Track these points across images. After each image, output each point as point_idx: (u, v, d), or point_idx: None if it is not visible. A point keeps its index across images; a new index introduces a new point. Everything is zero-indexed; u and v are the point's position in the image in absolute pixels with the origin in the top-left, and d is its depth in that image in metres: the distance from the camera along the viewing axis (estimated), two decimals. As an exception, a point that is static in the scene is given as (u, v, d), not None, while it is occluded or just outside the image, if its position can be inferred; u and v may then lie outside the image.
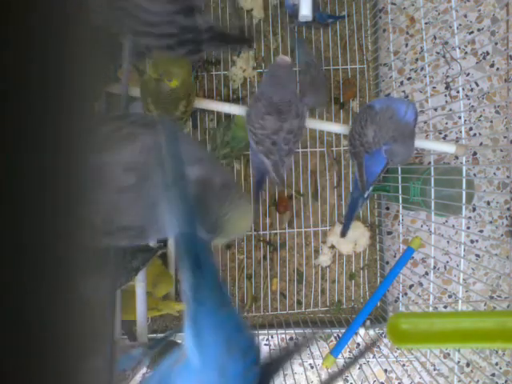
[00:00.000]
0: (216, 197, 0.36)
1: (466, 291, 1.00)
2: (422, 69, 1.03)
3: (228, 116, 0.96)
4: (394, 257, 1.04)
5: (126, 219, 0.37)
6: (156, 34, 0.53)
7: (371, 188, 0.79)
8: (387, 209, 1.06)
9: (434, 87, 1.03)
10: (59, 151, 0.13)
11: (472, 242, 1.05)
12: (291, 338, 1.05)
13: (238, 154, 0.96)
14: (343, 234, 0.85)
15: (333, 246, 1.02)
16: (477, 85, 1.04)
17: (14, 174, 0.12)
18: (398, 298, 1.03)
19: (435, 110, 1.00)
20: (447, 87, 1.04)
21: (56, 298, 0.14)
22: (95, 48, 0.15)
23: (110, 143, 0.37)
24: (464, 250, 0.86)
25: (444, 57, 1.03)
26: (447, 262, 1.03)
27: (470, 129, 1.05)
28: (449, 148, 0.80)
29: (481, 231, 1.06)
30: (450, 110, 1.01)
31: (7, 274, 0.12)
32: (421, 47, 1.03)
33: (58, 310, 0.14)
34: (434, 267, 1.00)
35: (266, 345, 1.03)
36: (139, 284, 0.82)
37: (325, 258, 1.02)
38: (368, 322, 1.00)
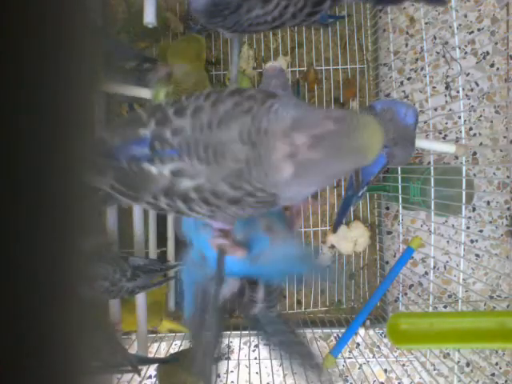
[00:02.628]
0: (341, 134, 0.35)
1: (466, 291, 1.00)
2: (422, 69, 1.03)
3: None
4: (394, 257, 1.04)
5: (251, 184, 0.39)
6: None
7: (366, 187, 0.80)
8: (387, 209, 1.06)
9: (434, 87, 1.03)
10: None
11: (472, 241, 1.05)
12: (291, 338, 1.05)
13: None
14: (335, 229, 0.89)
15: (333, 246, 1.02)
16: (477, 85, 1.04)
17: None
18: (398, 297, 1.03)
19: (435, 109, 1.00)
20: (447, 87, 1.04)
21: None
22: (94, 48, 0.15)
23: (229, 119, 0.38)
24: (464, 249, 0.85)
25: (444, 57, 1.03)
26: (447, 261, 1.03)
27: (470, 129, 1.05)
28: (449, 148, 0.80)
29: (481, 231, 1.06)
30: (450, 109, 1.01)
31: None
32: (421, 47, 1.03)
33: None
34: (434, 267, 1.00)
35: (266, 345, 1.03)
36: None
37: (325, 258, 1.02)
38: (368, 322, 1.00)
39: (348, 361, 1.01)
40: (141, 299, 0.84)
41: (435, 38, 1.03)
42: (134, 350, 0.88)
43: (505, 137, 1.06)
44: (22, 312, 0.12)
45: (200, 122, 0.39)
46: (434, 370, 0.99)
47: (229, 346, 0.98)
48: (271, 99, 0.40)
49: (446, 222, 1.03)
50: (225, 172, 0.38)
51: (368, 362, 1.01)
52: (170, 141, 0.39)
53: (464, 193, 0.80)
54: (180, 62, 0.78)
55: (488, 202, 1.07)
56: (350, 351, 0.99)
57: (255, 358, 0.98)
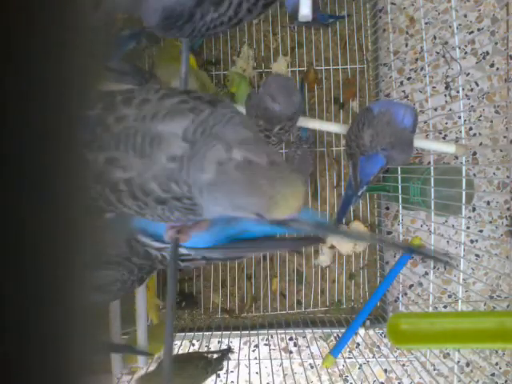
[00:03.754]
0: (266, 176, 0.36)
1: (466, 291, 1.00)
2: (422, 69, 1.03)
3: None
4: (394, 257, 1.04)
5: (180, 188, 0.38)
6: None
7: (365, 187, 0.80)
8: (387, 209, 1.06)
9: (434, 87, 1.03)
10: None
11: (472, 241, 1.05)
12: (291, 338, 1.05)
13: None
14: None
15: (333, 246, 1.02)
16: (477, 85, 1.04)
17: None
18: (398, 297, 1.03)
19: (435, 109, 1.00)
20: (447, 87, 1.04)
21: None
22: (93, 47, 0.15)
23: (174, 113, 0.38)
24: (464, 249, 0.85)
25: (444, 57, 1.03)
26: (447, 261, 1.03)
27: (470, 129, 1.05)
28: (449, 148, 0.80)
29: (481, 231, 1.06)
30: (450, 109, 1.01)
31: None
32: (421, 47, 1.03)
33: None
34: (434, 267, 1.00)
35: (265, 345, 1.03)
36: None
37: (324, 258, 1.02)
38: (368, 322, 1.00)
39: (348, 361, 1.01)
40: (141, 299, 0.84)
41: (435, 38, 1.03)
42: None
43: (505, 137, 1.06)
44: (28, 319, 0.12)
45: (144, 113, 0.39)
46: (434, 370, 0.99)
47: (229, 346, 0.98)
48: (220, 103, 0.40)
49: (446, 222, 1.03)
50: (157, 169, 0.38)
51: (368, 361, 1.01)
52: (112, 127, 0.39)
53: (464, 193, 0.80)
54: (166, 63, 0.77)
55: (488, 202, 1.06)
56: (350, 351, 0.99)
57: (255, 358, 0.98)
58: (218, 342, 1.00)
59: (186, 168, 0.38)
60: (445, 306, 1.03)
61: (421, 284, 1.04)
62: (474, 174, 1.03)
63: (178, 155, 0.37)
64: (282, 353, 1.02)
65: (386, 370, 1.01)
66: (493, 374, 1.03)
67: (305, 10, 0.66)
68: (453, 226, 1.01)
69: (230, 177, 0.36)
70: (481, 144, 1.06)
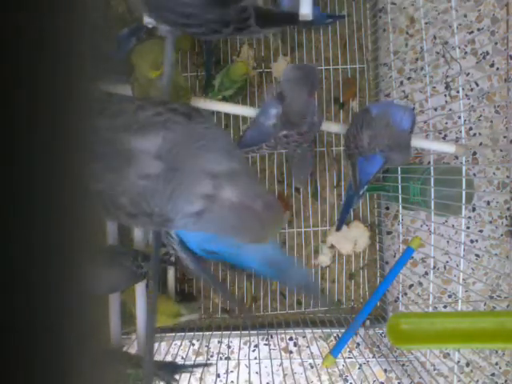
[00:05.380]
0: (260, 220, 0.36)
1: (466, 291, 1.00)
2: (422, 69, 1.03)
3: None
4: (394, 257, 1.04)
5: (150, 206, 0.37)
6: (197, 24, 0.56)
7: (366, 187, 0.80)
8: (387, 209, 1.06)
9: (434, 87, 1.03)
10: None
11: (472, 241, 1.05)
12: (291, 338, 1.05)
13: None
14: (338, 228, 0.92)
15: (333, 246, 1.02)
16: (477, 85, 1.04)
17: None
18: (398, 297, 1.03)
19: (435, 109, 1.00)
20: (447, 87, 1.04)
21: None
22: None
23: (147, 128, 0.37)
24: (464, 249, 0.85)
25: (444, 57, 1.03)
26: (447, 261, 1.03)
27: (470, 129, 1.05)
28: (449, 148, 0.80)
29: (481, 231, 1.06)
30: (450, 109, 1.01)
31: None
32: (421, 47, 1.03)
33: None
34: (434, 267, 1.00)
35: (265, 344, 1.03)
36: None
37: (324, 258, 1.02)
38: (368, 322, 1.00)
39: (348, 361, 1.01)
40: (140, 299, 0.84)
41: (435, 37, 1.03)
42: (133, 350, 0.88)
43: (505, 137, 1.06)
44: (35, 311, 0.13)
45: (116, 125, 0.37)
46: (434, 370, 0.99)
47: (229, 346, 0.98)
48: (199, 118, 0.38)
49: (446, 222, 1.03)
50: (127, 185, 0.36)
51: (368, 361, 1.01)
52: None
53: (464, 193, 0.80)
54: (142, 64, 0.75)
55: (488, 202, 1.06)
56: (349, 351, 0.99)
57: (255, 358, 0.98)
58: (218, 341, 1.00)
59: (162, 190, 0.36)
60: (445, 306, 1.03)
61: (421, 284, 1.04)
62: (474, 174, 1.03)
63: (151, 174, 0.36)
64: (282, 353, 1.02)
65: (385, 370, 1.01)
66: (493, 374, 1.03)
67: (305, 10, 0.66)
68: (453, 225, 1.01)
69: (221, 214, 0.36)
70: (481, 144, 1.06)
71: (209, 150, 0.37)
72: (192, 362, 0.89)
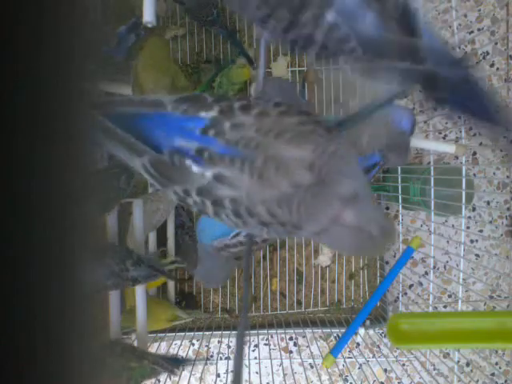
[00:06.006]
0: (375, 243, 0.37)
1: (466, 291, 1.00)
2: (422, 69, 1.02)
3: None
4: (394, 257, 1.04)
5: (291, 214, 0.36)
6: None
7: None
8: (387, 209, 1.06)
9: (434, 87, 1.03)
10: None
11: (472, 241, 1.05)
12: (291, 338, 1.05)
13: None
14: None
15: (333, 246, 1.02)
16: (477, 85, 1.04)
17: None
18: (398, 297, 1.03)
19: (435, 109, 0.99)
20: (447, 87, 1.03)
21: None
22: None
23: (299, 136, 0.36)
24: (464, 249, 0.85)
25: (444, 57, 1.02)
26: (447, 261, 1.03)
27: (470, 129, 1.05)
28: (449, 148, 0.80)
29: (480, 231, 1.06)
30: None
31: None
32: (421, 47, 1.03)
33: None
34: (434, 267, 1.00)
35: (265, 344, 1.03)
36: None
37: (324, 258, 1.02)
38: (368, 322, 1.00)
39: (348, 361, 1.01)
40: (140, 298, 0.84)
41: (435, 37, 1.03)
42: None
43: (505, 137, 1.06)
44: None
45: (265, 127, 0.36)
46: (434, 369, 0.99)
47: (229, 346, 0.98)
48: (334, 132, 0.38)
49: (446, 221, 1.03)
50: (270, 193, 0.36)
51: (368, 361, 1.01)
52: (227, 134, 0.36)
53: (464, 193, 0.80)
54: (150, 67, 0.75)
55: (488, 202, 1.07)
56: (350, 351, 0.99)
57: (255, 358, 0.98)
58: (218, 341, 1.00)
59: (305, 202, 0.36)
60: (445, 306, 1.03)
61: (421, 284, 1.04)
62: (474, 174, 1.03)
63: (302, 184, 0.35)
64: (282, 353, 1.02)
65: (385, 370, 1.01)
66: (493, 374, 1.03)
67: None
68: (453, 225, 1.01)
69: (340, 235, 0.37)
70: (481, 144, 1.06)
71: (344, 171, 0.37)
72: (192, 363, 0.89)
